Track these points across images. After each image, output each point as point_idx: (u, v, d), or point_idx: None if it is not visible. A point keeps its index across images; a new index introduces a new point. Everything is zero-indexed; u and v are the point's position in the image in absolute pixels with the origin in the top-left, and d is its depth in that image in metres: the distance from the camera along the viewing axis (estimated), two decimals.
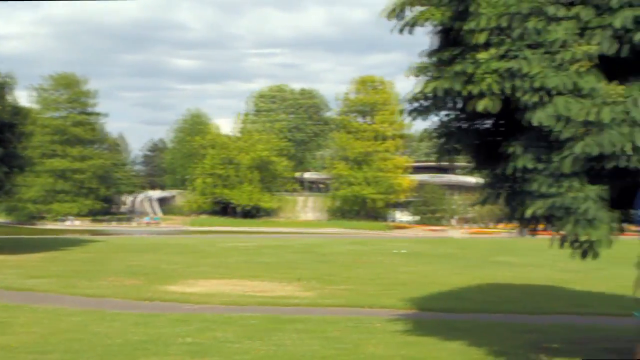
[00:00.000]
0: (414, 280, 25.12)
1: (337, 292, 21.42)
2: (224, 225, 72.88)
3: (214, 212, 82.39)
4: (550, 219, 8.95)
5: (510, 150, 9.29)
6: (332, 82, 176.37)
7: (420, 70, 10.24)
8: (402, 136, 79.92)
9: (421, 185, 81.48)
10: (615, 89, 8.51)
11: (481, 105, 9.09)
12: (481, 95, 9.06)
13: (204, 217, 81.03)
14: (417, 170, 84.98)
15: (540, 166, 8.96)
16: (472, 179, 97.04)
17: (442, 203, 78.83)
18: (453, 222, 75.62)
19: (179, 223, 78.53)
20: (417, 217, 79.96)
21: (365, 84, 79.76)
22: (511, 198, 10.19)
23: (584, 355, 12.47)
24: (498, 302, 19.58)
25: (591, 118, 8.18)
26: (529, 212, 9.07)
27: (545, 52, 8.85)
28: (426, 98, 10.47)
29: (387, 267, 30.09)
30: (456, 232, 65.04)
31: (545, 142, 9.03)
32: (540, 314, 17.70)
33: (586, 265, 27.95)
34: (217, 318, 16.15)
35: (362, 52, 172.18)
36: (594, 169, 8.77)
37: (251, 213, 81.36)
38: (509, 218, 10.66)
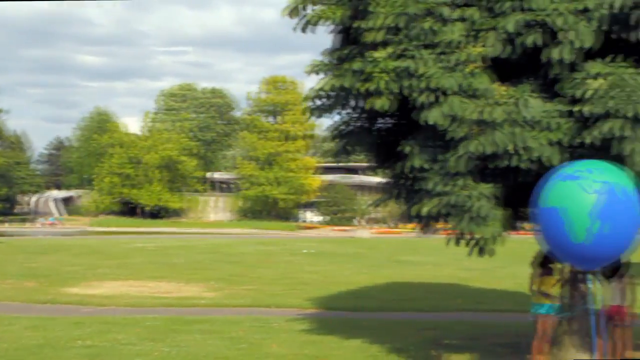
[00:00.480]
0: (320, 279, 25.26)
1: (243, 292, 21.33)
2: (130, 226, 71.52)
3: (120, 213, 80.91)
4: (444, 217, 9.14)
5: (407, 149, 9.45)
6: (243, 82, 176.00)
7: (317, 67, 10.29)
8: (310, 136, 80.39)
9: (330, 186, 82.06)
10: (506, 90, 8.76)
11: (377, 104, 9.22)
12: (377, 93, 9.18)
13: (109, 217, 79.47)
14: (326, 170, 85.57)
15: (435, 165, 9.15)
16: (371, 179, 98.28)
17: (350, 203, 79.61)
18: (361, 222, 76.48)
19: (83, 224, 76.69)
20: (326, 218, 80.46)
21: (274, 84, 79.84)
22: (408, 197, 10.35)
23: (480, 350, 12.81)
24: (401, 301, 19.87)
25: (483, 118, 8.38)
26: (424, 211, 9.25)
27: (440, 53, 9.05)
28: (327, 97, 10.57)
29: (293, 267, 30.14)
30: (363, 232, 65.70)
31: (440, 141, 9.23)
32: (442, 311, 18.05)
33: (488, 263, 28.86)
34: (118, 320, 15.81)
35: (272, 52, 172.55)
36: (486, 168, 9.01)
37: (158, 213, 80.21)
38: (407, 217, 10.82)
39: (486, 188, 8.83)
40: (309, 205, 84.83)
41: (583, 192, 6.67)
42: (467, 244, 9.35)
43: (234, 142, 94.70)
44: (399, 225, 73.93)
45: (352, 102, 10.73)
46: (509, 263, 28.13)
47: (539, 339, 11.40)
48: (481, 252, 9.23)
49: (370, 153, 11.67)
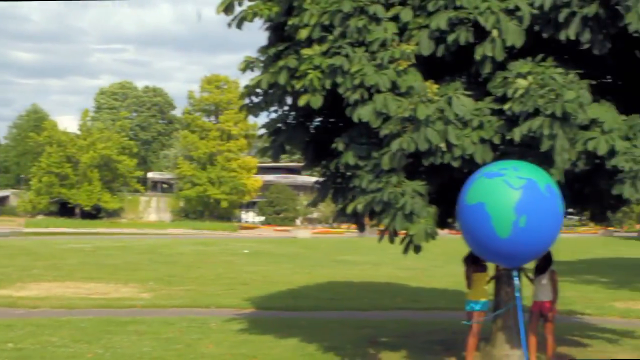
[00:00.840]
0: (257, 279, 25.17)
1: (178, 292, 21.09)
2: (63, 226, 70.04)
3: (52, 213, 79.12)
4: (377, 215, 9.17)
5: (339, 146, 9.46)
6: (182, 81, 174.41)
7: (251, 64, 10.25)
8: (248, 136, 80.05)
9: (268, 186, 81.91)
10: (431, 88, 8.85)
11: (309, 101, 9.21)
12: (310, 90, 9.17)
13: (41, 217, 77.70)
14: (267, 170, 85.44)
15: (367, 162, 9.17)
16: (313, 179, 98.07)
17: (291, 203, 79.63)
18: (299, 222, 76.57)
19: (18, 224, 74.67)
20: (267, 218, 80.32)
21: (214, 83, 79.27)
22: (339, 195, 10.39)
23: (415, 347, 12.92)
24: (337, 300, 19.92)
25: (414, 115, 8.44)
26: (350, 208, 9.27)
27: (372, 51, 9.08)
28: (257, 94, 10.55)
29: (232, 267, 29.97)
30: (304, 232, 65.76)
31: (372, 138, 9.25)
32: (377, 310, 18.15)
33: (426, 263, 29.47)
34: (51, 322, 15.42)
35: (212, 51, 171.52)
36: (418, 165, 9.08)
37: (96, 214, 78.89)
38: (340, 215, 10.84)
39: (418, 185, 8.88)
40: (250, 206, 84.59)
41: (508, 187, 6.83)
42: (401, 242, 9.39)
43: (174, 142, 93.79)
44: (340, 225, 74.28)
45: (287, 100, 10.71)
46: (446, 262, 28.54)
47: (473, 336, 11.53)
48: (416, 249, 9.29)
49: (305, 151, 11.62)
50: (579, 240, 67.80)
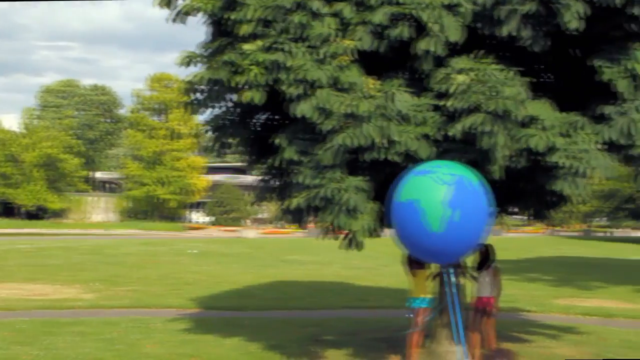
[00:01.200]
0: (203, 279, 24.94)
1: (123, 293, 20.77)
2: (6, 227, 68.29)
3: None
4: (316, 211, 9.10)
5: (278, 142, 9.39)
6: (129, 80, 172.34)
7: (189, 59, 10.09)
8: (196, 135, 79.18)
9: (217, 186, 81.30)
10: (372, 84, 8.83)
11: (249, 97, 9.13)
12: (249, 86, 9.09)
13: None
14: (214, 170, 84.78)
15: (307, 158, 9.13)
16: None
17: (238, 203, 79.14)
18: (248, 222, 76.20)
19: None
20: (213, 218, 79.72)
21: (161, 81, 78.26)
22: (281, 191, 10.31)
23: (358, 345, 12.91)
24: (284, 299, 19.83)
25: (352, 111, 8.40)
26: (292, 204, 9.20)
27: (311, 46, 9.03)
28: (203, 91, 10.42)
29: (178, 267, 29.64)
30: (251, 232, 65.44)
31: (311, 134, 9.22)
32: (324, 309, 18.11)
33: (373, 262, 29.54)
34: None
35: (159, 50, 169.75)
36: (357, 161, 9.03)
37: (38, 214, 77.29)
38: (281, 212, 10.75)
39: (357, 181, 8.85)
40: (198, 206, 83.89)
41: (435, 183, 6.93)
42: (333, 236, 9.34)
43: (119, 141, 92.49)
44: (288, 225, 74.15)
45: (230, 96, 10.59)
46: (394, 261, 28.50)
47: (416, 332, 11.57)
48: (357, 245, 9.25)
49: (249, 148, 11.52)
50: (524, 239, 68.93)
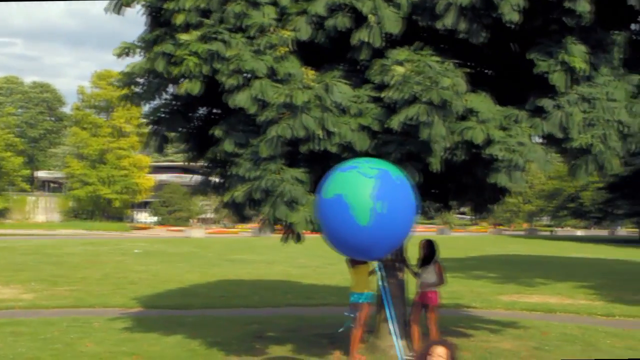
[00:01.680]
0: (147, 278, 24.61)
1: (65, 293, 20.34)
2: None
3: None
4: (257, 203, 8.99)
5: (218, 133, 9.26)
6: (73, 77, 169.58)
7: (127, 50, 9.90)
8: (141, 134, 78.18)
9: (163, 185, 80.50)
10: (309, 74, 8.77)
11: (188, 87, 9.00)
12: (187, 77, 8.96)
13: None
14: (160, 170, 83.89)
15: (246, 150, 9.03)
16: (211, 179, 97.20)
17: (185, 203, 78.51)
18: (194, 222, 75.59)
19: None
20: (161, 218, 78.92)
21: (106, 79, 76.97)
22: (221, 185, 10.19)
23: (302, 341, 12.85)
24: (229, 298, 19.65)
25: (291, 102, 8.33)
26: (227, 197, 9.09)
27: (247, 37, 8.94)
28: (137, 84, 10.27)
29: (122, 267, 29.18)
30: (198, 232, 64.90)
31: (251, 125, 9.13)
32: (268, 307, 17.98)
33: (320, 261, 29.50)
34: None
35: (104, 47, 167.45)
36: (297, 153, 8.95)
37: None
38: (220, 207, 10.61)
39: (298, 172, 8.78)
40: (143, 205, 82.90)
41: (363, 177, 6.88)
42: (272, 229, 9.24)
43: (64, 139, 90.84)
44: (236, 225, 73.79)
45: (168, 88, 10.44)
46: (340, 259, 28.53)
47: (358, 327, 11.55)
48: (297, 238, 9.18)
49: (188, 142, 11.35)
50: (470, 238, 69.62)
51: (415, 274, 12.15)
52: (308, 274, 26.83)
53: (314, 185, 9.03)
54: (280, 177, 8.59)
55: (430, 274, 11.93)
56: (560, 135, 8.81)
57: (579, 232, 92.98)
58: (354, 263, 11.54)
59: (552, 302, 19.40)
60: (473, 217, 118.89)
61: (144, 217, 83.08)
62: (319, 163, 9.12)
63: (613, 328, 15.02)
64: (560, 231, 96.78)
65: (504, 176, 8.54)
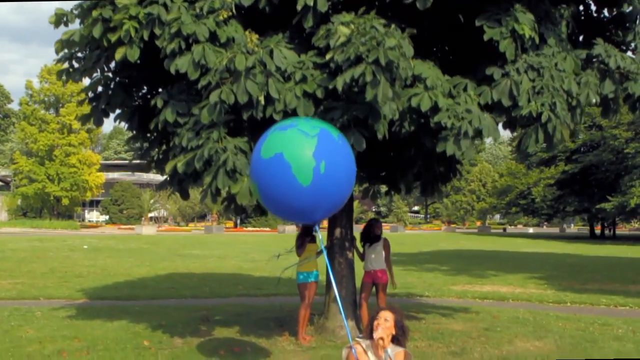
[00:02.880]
0: (94, 272, 24.07)
1: (6, 286, 19.66)
2: None
3: None
4: (199, 174, 8.69)
5: (159, 103, 8.96)
6: (20, 75, 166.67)
7: (63, 16, 9.51)
8: (90, 130, 76.91)
9: (113, 184, 79.50)
10: (251, 38, 8.52)
11: (120, 54, 8.69)
12: (126, 42, 8.64)
13: None
14: (110, 168, 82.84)
15: (183, 120, 8.76)
16: (163, 178, 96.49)
17: (137, 202, 77.61)
18: (145, 220, 74.63)
19: None
20: (111, 216, 77.88)
21: (53, 73, 75.47)
22: (162, 158, 9.90)
23: (248, 324, 12.63)
24: (178, 289, 19.28)
25: (233, 67, 8.06)
26: (168, 167, 8.80)
27: (191, 0, 8.68)
28: (76, 58, 9.95)
29: (70, 262, 28.52)
30: (147, 229, 64.06)
31: (192, 94, 8.87)
32: (218, 297, 17.68)
33: (271, 255, 29.07)
34: None
35: (53, 44, 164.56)
36: (241, 122, 8.71)
37: None
38: (162, 184, 10.31)
39: (241, 142, 8.51)
40: (93, 204, 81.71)
41: (304, 136, 6.64)
42: (214, 200, 8.96)
43: (11, 136, 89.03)
44: (183, 224, 73.27)
45: (110, 63, 10.09)
46: (292, 255, 28.43)
47: (305, 307, 11.37)
48: (238, 211, 8.93)
49: (131, 120, 10.94)
50: (423, 235, 70.16)
51: (362, 254, 12.02)
52: (260, 267, 26.59)
53: None
54: (222, 145, 8.31)
55: (378, 254, 11.80)
56: (508, 103, 8.70)
57: (531, 230, 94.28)
58: (306, 241, 11.38)
59: (504, 291, 19.44)
60: (426, 216, 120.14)
61: (94, 216, 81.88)
62: (260, 132, 8.87)
63: (564, 313, 15.06)
64: (512, 229, 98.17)
65: (452, 145, 8.39)
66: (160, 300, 16.79)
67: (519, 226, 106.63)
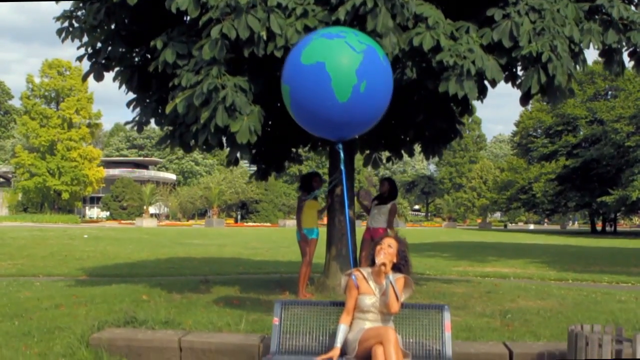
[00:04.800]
0: (95, 256, 24.01)
1: (6, 266, 19.66)
2: None
3: None
4: (198, 112, 8.60)
5: (159, 45, 8.88)
6: (22, 74, 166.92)
7: None
8: (91, 125, 76.79)
9: (113, 180, 79.48)
10: None
11: None
12: None
13: None
14: (112, 164, 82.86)
15: (183, 62, 8.70)
16: (164, 174, 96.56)
17: (138, 198, 77.55)
18: (145, 213, 74.52)
19: None
20: (109, 212, 77.85)
21: (57, 68, 75.43)
22: (162, 101, 9.86)
23: (247, 284, 12.68)
24: (177, 269, 19.22)
25: (229, 3, 7.97)
26: (168, 109, 8.69)
27: None
28: (76, 18, 9.89)
29: (67, 248, 28.42)
30: (148, 222, 64.03)
31: (188, 35, 8.82)
32: (218, 274, 17.63)
33: (273, 244, 29.08)
34: None
35: (54, 44, 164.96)
36: (242, 61, 8.63)
37: None
38: (161, 140, 10.22)
39: (241, 81, 8.42)
40: (94, 201, 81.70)
41: (351, 49, 6.32)
42: (213, 141, 8.82)
43: (12, 132, 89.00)
44: (184, 220, 73.29)
45: (109, 14, 10.03)
46: (291, 243, 28.41)
47: (306, 264, 11.32)
48: (236, 149, 8.84)
49: (130, 81, 10.87)
50: (424, 230, 70.18)
51: (368, 209, 11.99)
52: (260, 253, 26.56)
53: (257, 98, 8.72)
54: (221, 82, 8.22)
55: (382, 215, 11.76)
56: (509, 43, 8.61)
57: (532, 226, 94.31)
58: (308, 197, 11.34)
59: (505, 271, 19.40)
60: (427, 214, 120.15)
61: (95, 212, 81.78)
62: (262, 73, 8.80)
63: (566, 286, 15.00)
64: (513, 226, 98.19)
65: (454, 84, 8.30)
66: (159, 277, 16.71)
67: (520, 223, 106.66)
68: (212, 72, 8.23)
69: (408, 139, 12.51)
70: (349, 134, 6.78)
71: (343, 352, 6.62)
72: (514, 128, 79.15)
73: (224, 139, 9.50)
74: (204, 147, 11.31)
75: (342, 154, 6.94)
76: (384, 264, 6.59)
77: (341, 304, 6.94)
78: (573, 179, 67.27)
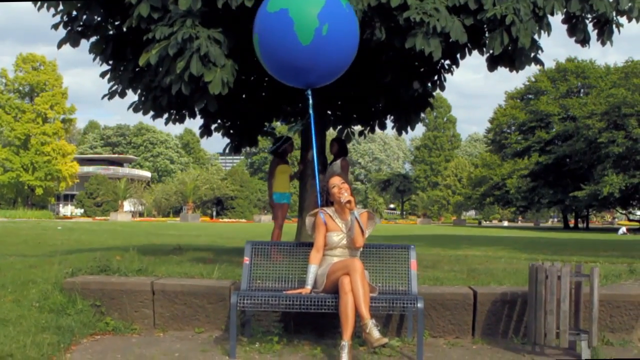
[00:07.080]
0: (68, 243, 23.83)
1: None
2: None
3: None
4: (166, 65, 8.73)
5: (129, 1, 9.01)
6: None
7: None
8: (65, 120, 76.29)
9: (88, 178, 79.08)
10: None
11: None
12: None
13: None
14: (86, 162, 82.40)
15: (158, 15, 8.82)
16: (138, 172, 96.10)
17: (112, 195, 77.22)
18: (120, 208, 74.18)
19: None
20: (83, 210, 77.45)
21: (31, 62, 74.89)
22: (137, 70, 10.02)
23: (219, 251, 12.88)
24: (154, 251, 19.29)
25: None
26: (142, 60, 8.80)
27: None
28: None
29: (41, 237, 28.29)
30: (123, 216, 63.78)
31: None
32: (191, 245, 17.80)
33: (251, 235, 29.03)
34: None
35: (28, 43, 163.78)
36: (208, 15, 8.77)
37: None
38: (138, 105, 10.32)
39: (215, 33, 8.58)
40: (68, 198, 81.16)
41: None
42: (187, 90, 8.92)
43: None
44: (161, 216, 73.03)
45: None
46: (269, 234, 28.46)
47: (278, 227, 11.53)
48: (208, 103, 9.01)
49: (104, 51, 10.96)
50: (398, 226, 70.54)
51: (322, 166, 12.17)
52: (235, 242, 26.55)
53: (231, 53, 8.89)
54: (193, 31, 8.39)
55: (334, 169, 11.86)
56: (474, 6, 8.86)
57: (506, 223, 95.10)
58: (280, 162, 11.54)
59: (476, 254, 19.65)
60: (402, 212, 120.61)
61: (69, 210, 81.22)
62: (235, 27, 8.95)
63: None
64: (487, 223, 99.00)
65: (421, 40, 8.52)
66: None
67: (494, 221, 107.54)
68: (186, 23, 8.40)
69: (380, 106, 12.72)
70: (316, 81, 7.05)
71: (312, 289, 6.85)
72: (489, 125, 79.91)
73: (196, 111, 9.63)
74: (176, 117, 11.50)
75: (310, 99, 7.17)
76: (349, 201, 6.82)
77: (309, 245, 7.16)
78: (546, 175, 68.03)
